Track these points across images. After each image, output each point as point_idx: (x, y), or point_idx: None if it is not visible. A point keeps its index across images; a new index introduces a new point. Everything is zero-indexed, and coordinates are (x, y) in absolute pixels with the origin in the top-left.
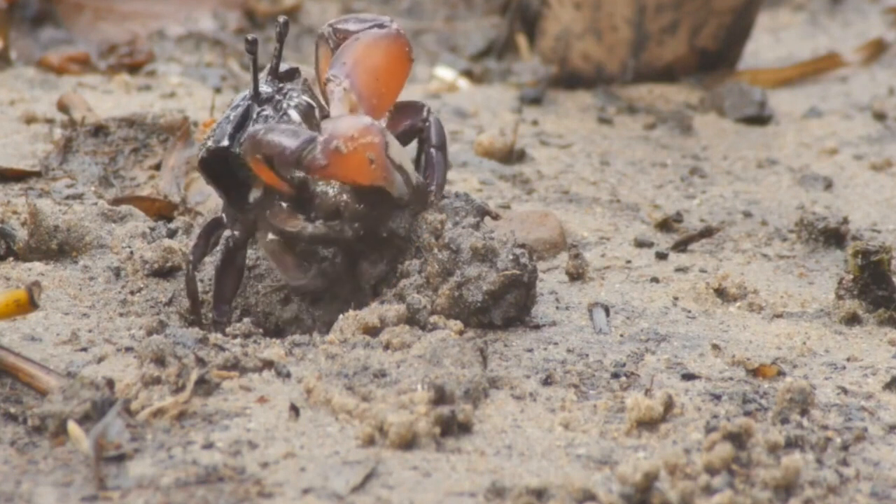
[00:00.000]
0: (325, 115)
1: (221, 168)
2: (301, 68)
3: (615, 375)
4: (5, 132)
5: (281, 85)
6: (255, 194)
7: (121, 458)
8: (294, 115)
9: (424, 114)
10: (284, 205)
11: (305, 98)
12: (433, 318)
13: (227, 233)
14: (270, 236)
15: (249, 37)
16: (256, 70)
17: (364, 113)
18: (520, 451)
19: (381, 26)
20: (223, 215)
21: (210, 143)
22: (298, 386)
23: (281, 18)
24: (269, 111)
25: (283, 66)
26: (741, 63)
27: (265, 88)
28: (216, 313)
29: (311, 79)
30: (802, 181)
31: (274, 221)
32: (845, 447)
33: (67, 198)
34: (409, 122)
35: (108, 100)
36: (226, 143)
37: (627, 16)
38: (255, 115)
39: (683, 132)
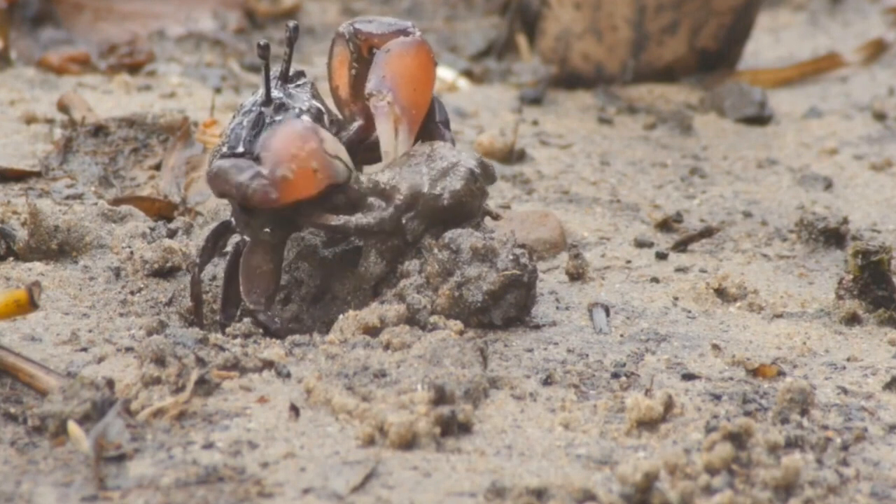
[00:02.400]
0: (332, 119)
1: None
2: (305, 70)
3: (615, 375)
4: (5, 132)
5: (291, 90)
6: None
7: (121, 458)
8: (307, 120)
9: None
10: None
11: (316, 103)
12: (433, 318)
13: (237, 238)
14: (258, 255)
15: (261, 42)
16: (269, 75)
17: (406, 125)
18: (520, 451)
19: (405, 33)
20: (232, 220)
21: (224, 149)
22: (298, 386)
23: (291, 23)
24: (281, 117)
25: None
26: (741, 63)
27: (276, 94)
28: (224, 317)
29: (315, 79)
30: (802, 181)
31: (315, 220)
32: (845, 447)
33: (67, 198)
34: None
35: (108, 100)
36: (241, 149)
37: (627, 16)
38: (267, 121)
39: (683, 132)
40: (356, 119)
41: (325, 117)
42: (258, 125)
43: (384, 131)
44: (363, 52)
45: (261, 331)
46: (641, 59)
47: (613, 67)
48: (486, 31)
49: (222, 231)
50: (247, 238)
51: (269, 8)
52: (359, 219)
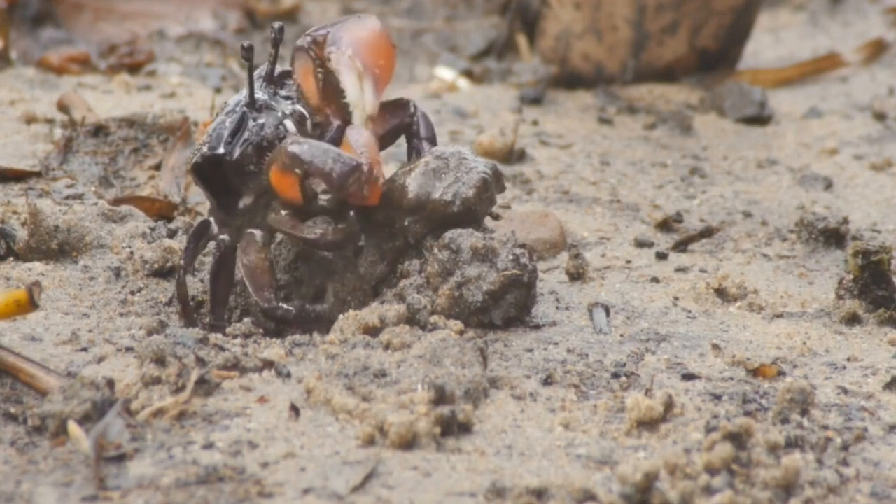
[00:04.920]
0: (315, 123)
1: (214, 173)
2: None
3: (615, 375)
4: (5, 132)
5: (276, 92)
6: (245, 201)
7: (121, 458)
8: (290, 125)
9: (411, 109)
10: (284, 212)
11: (299, 107)
12: (433, 318)
13: (218, 238)
14: (252, 254)
15: (245, 43)
16: (252, 77)
17: (371, 80)
18: (520, 451)
19: (359, 18)
20: (211, 219)
21: (205, 148)
22: (298, 386)
23: (276, 24)
24: (264, 119)
25: (276, 70)
26: (741, 63)
27: (260, 95)
28: (213, 317)
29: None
30: (802, 181)
31: (287, 228)
32: (845, 447)
33: (67, 198)
34: (397, 120)
35: (108, 100)
36: (222, 150)
37: (627, 16)
38: (250, 123)
39: (683, 132)
40: (332, 122)
41: (309, 122)
42: (241, 126)
43: (349, 82)
44: (324, 60)
45: (261, 331)
46: (641, 59)
47: (613, 67)
48: (486, 31)
49: (203, 231)
50: (225, 237)
51: (269, 8)
52: (333, 233)
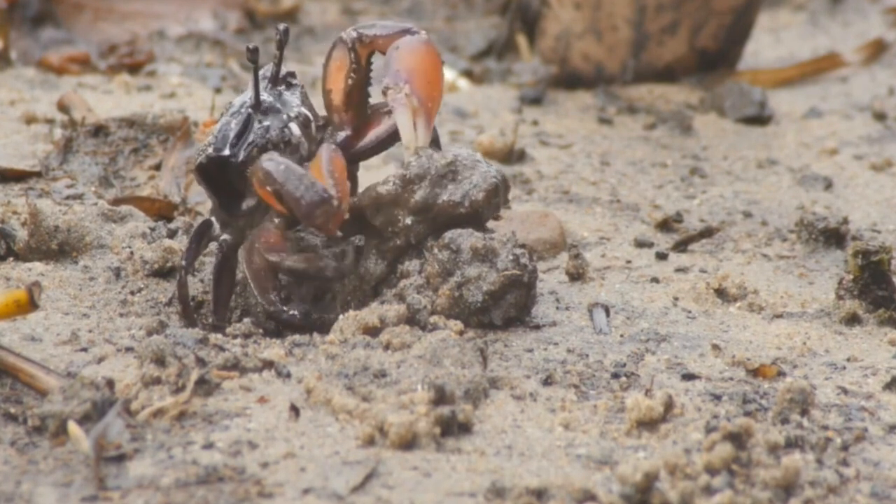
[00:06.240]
0: (319, 125)
1: (218, 174)
2: (298, 72)
3: (615, 375)
4: (5, 132)
5: (281, 93)
6: (248, 202)
7: (121, 458)
8: (294, 128)
9: None
10: (277, 220)
11: (304, 109)
12: (433, 319)
13: (220, 238)
14: (256, 257)
15: (251, 45)
16: (258, 79)
17: (424, 116)
18: (520, 451)
19: (410, 33)
20: (212, 218)
21: (210, 150)
22: (298, 386)
23: (281, 26)
24: (269, 121)
25: (281, 71)
26: (741, 63)
27: (265, 97)
28: (216, 318)
29: (315, 80)
30: (802, 181)
31: (258, 244)
32: (845, 447)
33: (67, 198)
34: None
35: (108, 100)
36: (227, 152)
37: (627, 16)
38: (256, 125)
39: (683, 132)
40: (345, 128)
41: (313, 125)
42: (246, 127)
43: (403, 123)
44: (363, 62)
45: (261, 331)
46: (641, 59)
47: (613, 67)
48: (486, 31)
49: (205, 230)
50: (227, 238)
51: (269, 8)
52: (327, 263)
